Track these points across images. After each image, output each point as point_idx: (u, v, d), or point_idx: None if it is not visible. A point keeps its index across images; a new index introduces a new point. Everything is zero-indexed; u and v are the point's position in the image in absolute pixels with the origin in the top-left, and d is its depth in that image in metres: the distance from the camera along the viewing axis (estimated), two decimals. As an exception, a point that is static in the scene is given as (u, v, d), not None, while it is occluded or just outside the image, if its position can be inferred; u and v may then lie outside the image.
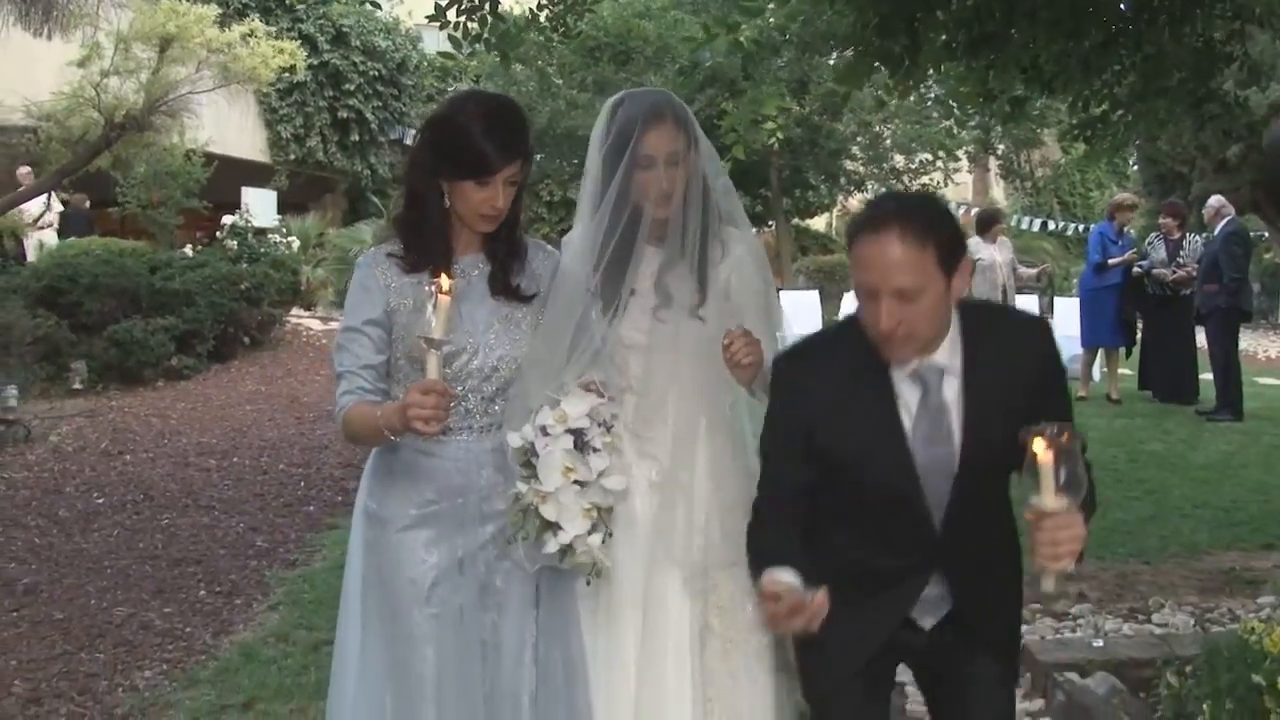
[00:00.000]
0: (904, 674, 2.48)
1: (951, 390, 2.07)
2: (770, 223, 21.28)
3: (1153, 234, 10.36)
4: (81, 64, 10.18)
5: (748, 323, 2.42)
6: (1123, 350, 10.32)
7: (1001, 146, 20.34)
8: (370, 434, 2.18)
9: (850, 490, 2.13)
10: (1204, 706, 3.05)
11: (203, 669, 4.09)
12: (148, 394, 10.30)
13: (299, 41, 15.37)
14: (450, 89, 21.91)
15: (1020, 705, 3.49)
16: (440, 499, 2.30)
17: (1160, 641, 3.90)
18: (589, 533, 2.08)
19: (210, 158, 13.83)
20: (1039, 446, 1.76)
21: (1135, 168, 20.36)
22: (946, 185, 22.77)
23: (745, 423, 2.52)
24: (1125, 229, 10.30)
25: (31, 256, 12.69)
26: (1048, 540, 1.81)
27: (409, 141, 20.66)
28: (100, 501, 6.63)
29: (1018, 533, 2.24)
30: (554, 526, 2.07)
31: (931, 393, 2.06)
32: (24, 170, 11.94)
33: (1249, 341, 15.64)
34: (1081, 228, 22.00)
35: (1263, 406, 9.82)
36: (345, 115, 19.12)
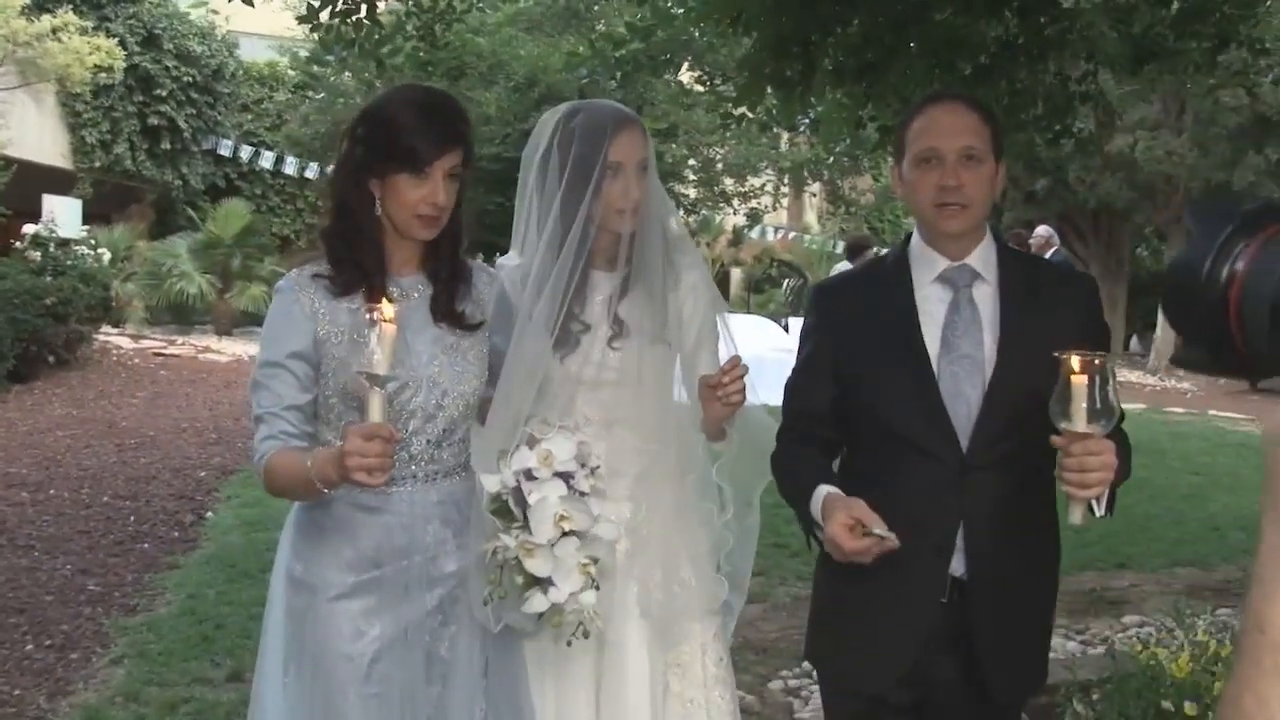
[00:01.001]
0: None
1: (983, 296, 2.08)
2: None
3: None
4: None
5: (702, 352, 2.27)
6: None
7: (826, 173, 20.98)
8: (299, 487, 1.90)
9: (875, 434, 2.10)
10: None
11: (40, 739, 3.61)
12: (-62, 419, 9.32)
13: (114, 41, 14.38)
14: (270, 98, 21.05)
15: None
16: (382, 562, 2.03)
17: (1059, 668, 3.94)
18: (581, 589, 1.87)
19: (8, 161, 12.74)
20: (1073, 365, 1.72)
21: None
22: (775, 209, 23.34)
23: (708, 464, 2.33)
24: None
25: None
26: (1076, 466, 1.76)
27: (223, 152, 19.88)
28: (-107, 543, 5.87)
29: (1058, 554, 2.20)
30: (544, 583, 1.84)
31: (960, 291, 2.08)
32: None
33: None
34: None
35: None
36: (156, 122, 18.02)
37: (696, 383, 2.15)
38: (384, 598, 2.02)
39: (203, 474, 7.57)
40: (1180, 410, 13.75)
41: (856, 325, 2.12)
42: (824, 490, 1.99)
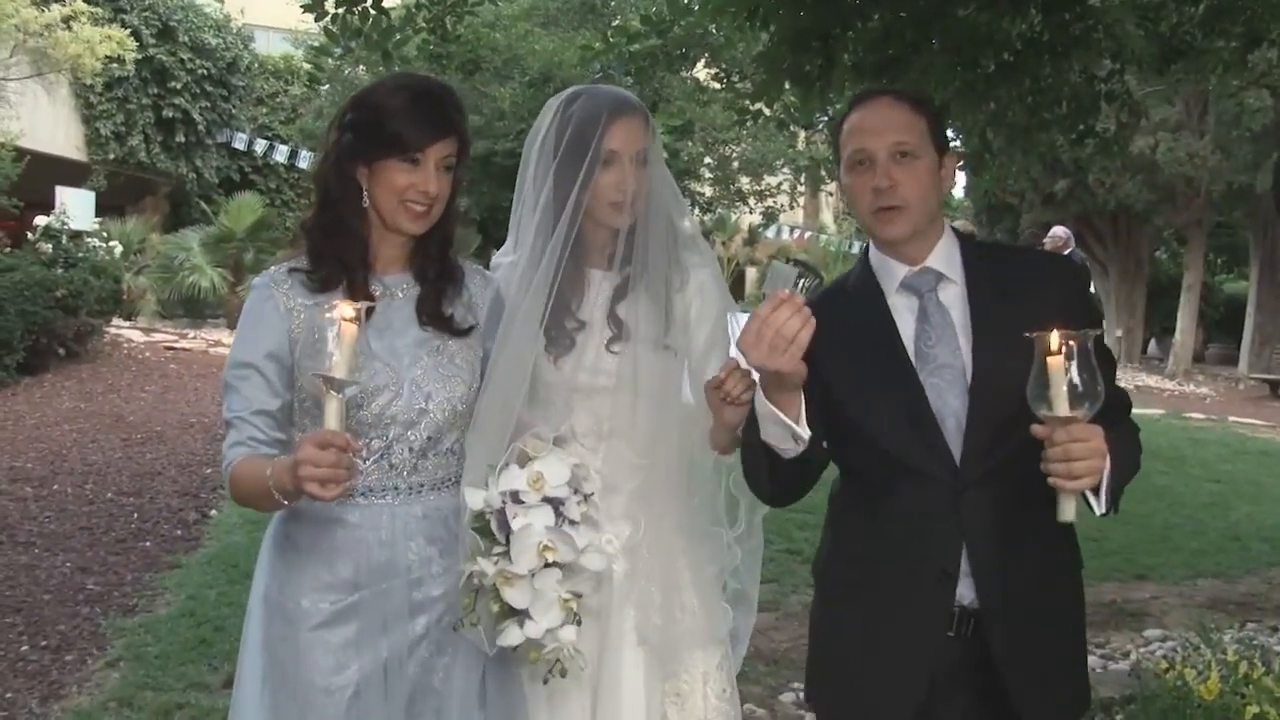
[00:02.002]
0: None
1: (951, 298, 1.95)
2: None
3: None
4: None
5: (712, 355, 2.13)
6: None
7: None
8: (261, 497, 1.79)
9: (865, 457, 1.96)
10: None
11: (30, 744, 3.52)
12: (-54, 411, 9.27)
13: (127, 32, 14.34)
14: (285, 92, 21.02)
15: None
16: (360, 584, 1.90)
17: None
18: (561, 625, 1.74)
19: (21, 152, 12.69)
20: (1050, 344, 1.59)
21: (966, 200, 21.18)
22: (791, 208, 23.20)
23: (718, 484, 2.19)
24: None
25: None
26: (1061, 455, 1.62)
27: (237, 145, 19.84)
28: (-107, 538, 5.81)
29: (1078, 564, 2.05)
30: (521, 615, 1.72)
31: (926, 297, 1.95)
32: None
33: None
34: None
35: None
36: (170, 115, 18.01)
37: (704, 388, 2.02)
38: (364, 627, 1.90)
39: (208, 470, 7.48)
40: (1200, 416, 13.59)
41: (836, 346, 1.89)
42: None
